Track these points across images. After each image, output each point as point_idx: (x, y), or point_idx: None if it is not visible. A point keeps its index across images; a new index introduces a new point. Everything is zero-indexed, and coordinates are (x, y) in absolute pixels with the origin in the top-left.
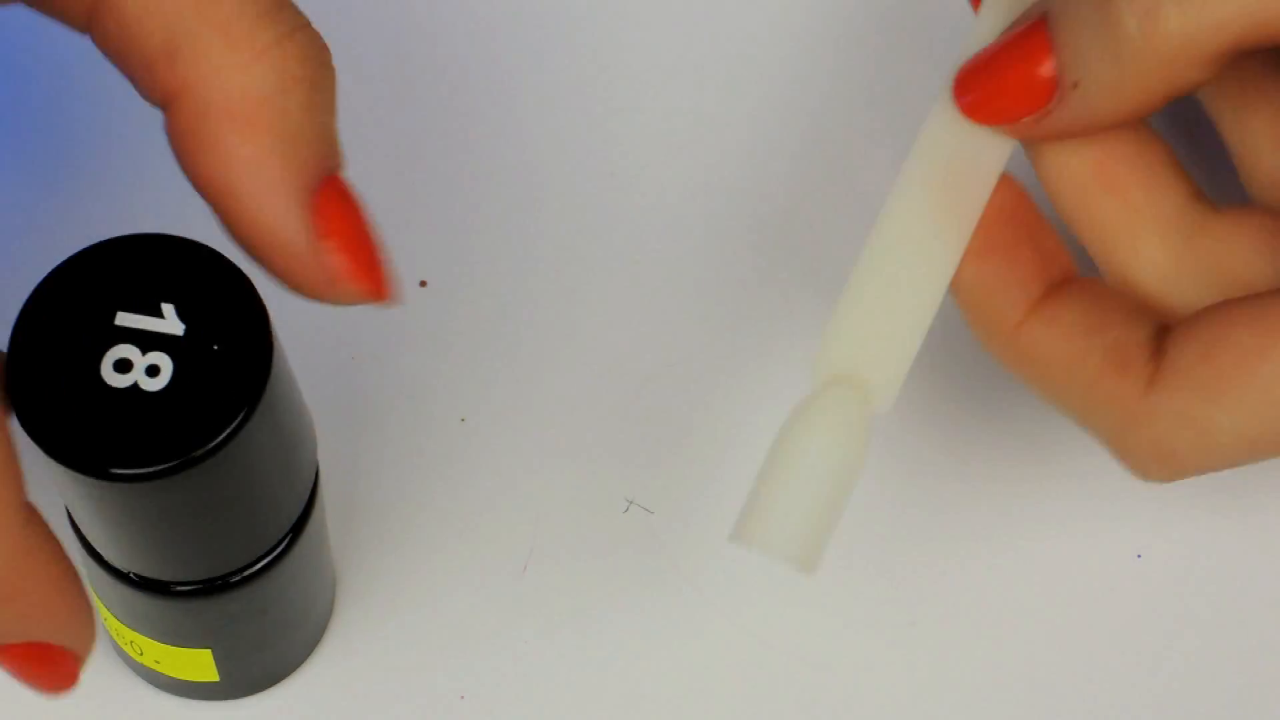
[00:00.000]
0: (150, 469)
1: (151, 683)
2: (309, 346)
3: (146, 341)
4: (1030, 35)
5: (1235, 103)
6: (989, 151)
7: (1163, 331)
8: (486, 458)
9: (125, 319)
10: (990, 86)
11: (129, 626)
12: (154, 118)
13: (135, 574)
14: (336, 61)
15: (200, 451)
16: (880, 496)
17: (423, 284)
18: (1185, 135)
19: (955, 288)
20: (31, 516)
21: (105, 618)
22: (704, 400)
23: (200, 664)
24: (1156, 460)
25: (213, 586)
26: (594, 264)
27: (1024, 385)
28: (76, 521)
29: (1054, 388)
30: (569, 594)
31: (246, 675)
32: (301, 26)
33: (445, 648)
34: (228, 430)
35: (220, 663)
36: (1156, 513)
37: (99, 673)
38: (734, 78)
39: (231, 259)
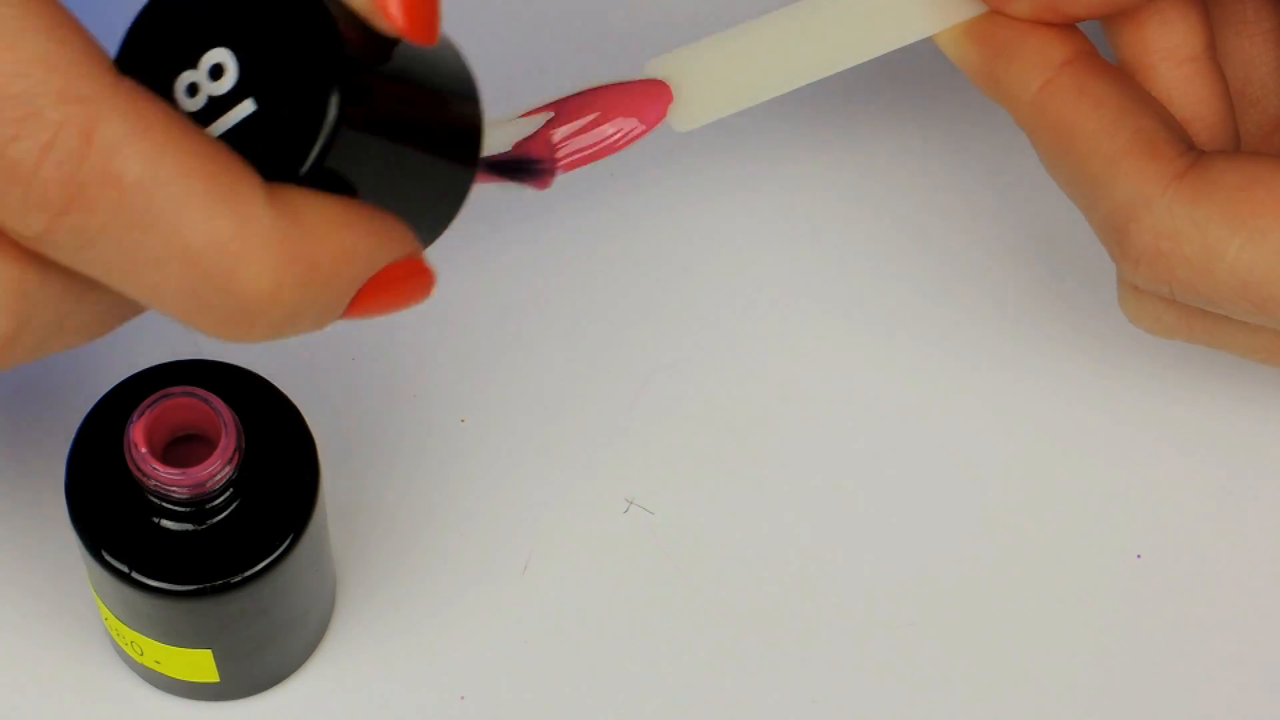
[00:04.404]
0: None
1: (151, 683)
2: (309, 346)
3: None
4: None
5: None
6: (944, 12)
7: (1190, 143)
8: (486, 458)
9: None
10: None
11: (130, 626)
12: None
13: (136, 574)
14: None
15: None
16: (880, 496)
17: None
18: None
19: (974, 40)
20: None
21: (105, 617)
22: (704, 400)
23: (200, 664)
24: (1150, 254)
25: (214, 588)
26: (594, 264)
27: (1038, 148)
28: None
29: (1074, 155)
30: (569, 594)
31: (246, 676)
32: None
33: (445, 648)
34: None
35: (220, 663)
36: (1156, 513)
37: (99, 673)
38: None
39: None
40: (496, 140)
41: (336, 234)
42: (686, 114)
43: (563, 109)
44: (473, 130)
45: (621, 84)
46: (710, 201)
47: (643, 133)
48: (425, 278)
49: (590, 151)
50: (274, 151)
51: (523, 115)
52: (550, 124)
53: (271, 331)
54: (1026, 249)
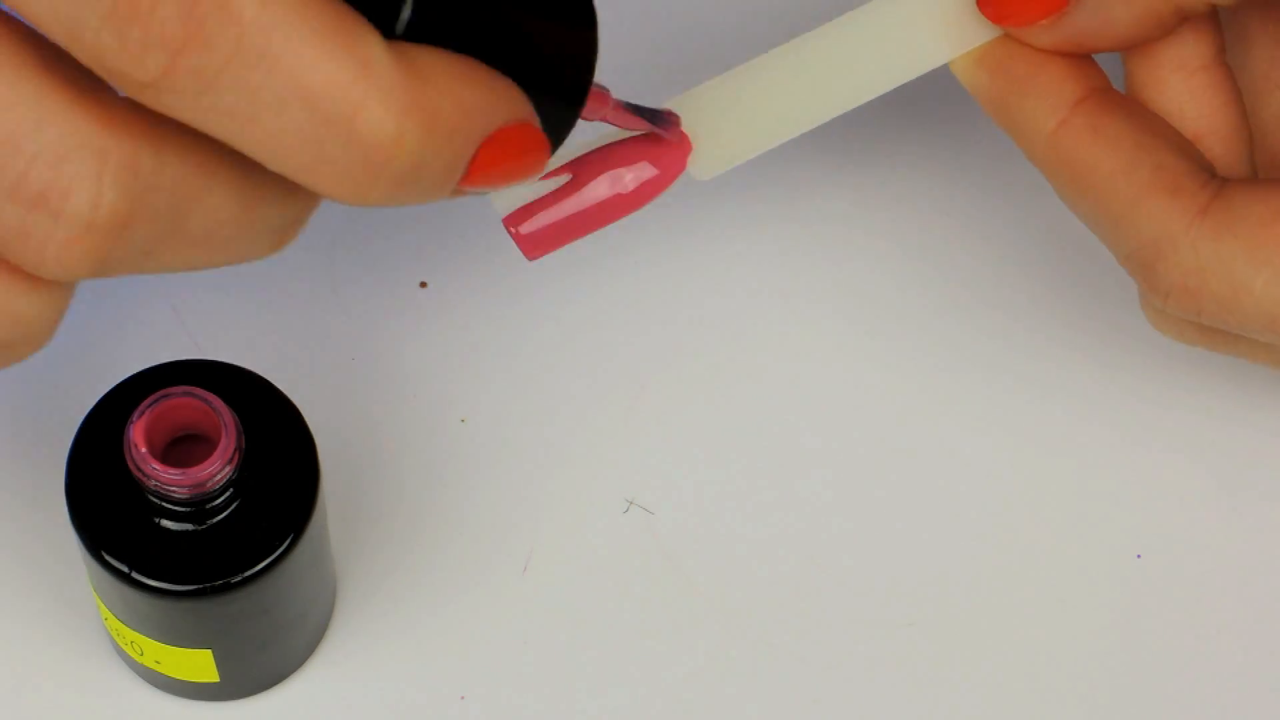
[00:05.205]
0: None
1: (151, 683)
2: (310, 346)
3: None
4: None
5: (1247, 42)
6: (958, 38)
7: (1210, 171)
8: (486, 458)
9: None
10: None
11: (130, 627)
12: None
13: (136, 574)
14: None
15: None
16: (880, 497)
17: (423, 284)
18: None
19: (988, 70)
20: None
21: (105, 618)
22: (704, 401)
23: (200, 664)
24: (1180, 290)
25: (214, 588)
26: (594, 264)
27: (1055, 187)
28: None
29: (1094, 195)
30: (569, 594)
31: (246, 676)
32: None
33: (445, 648)
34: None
35: (220, 663)
36: (1156, 513)
37: (99, 673)
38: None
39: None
40: (513, 200)
41: (455, 86)
42: (706, 162)
43: (579, 169)
44: (585, 30)
45: (637, 138)
46: (711, 203)
47: (664, 185)
48: (542, 145)
49: (605, 212)
50: (383, 10)
51: (540, 178)
52: (568, 187)
53: (395, 186)
54: (1026, 251)
